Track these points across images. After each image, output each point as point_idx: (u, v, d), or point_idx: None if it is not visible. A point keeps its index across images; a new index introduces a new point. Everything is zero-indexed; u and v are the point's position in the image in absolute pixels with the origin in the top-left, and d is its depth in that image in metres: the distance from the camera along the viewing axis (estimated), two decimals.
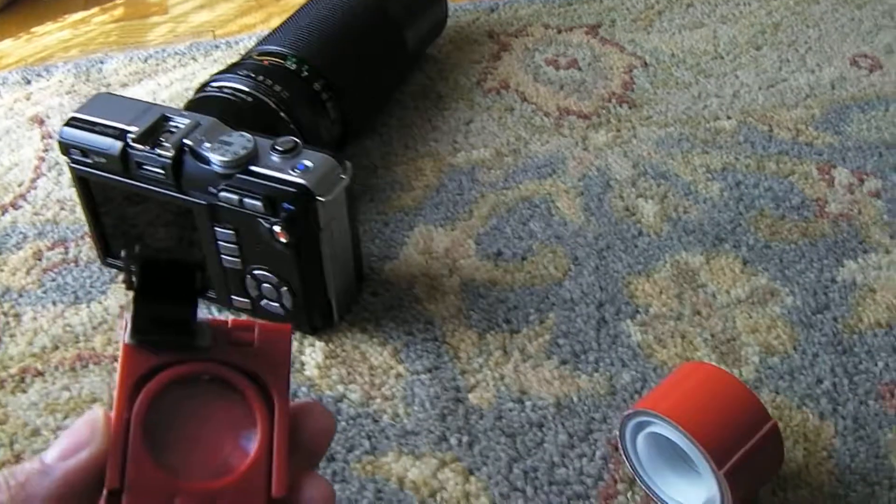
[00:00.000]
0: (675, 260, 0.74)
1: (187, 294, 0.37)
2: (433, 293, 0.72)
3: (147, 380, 0.37)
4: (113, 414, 0.36)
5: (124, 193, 0.67)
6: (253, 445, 0.37)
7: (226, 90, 0.73)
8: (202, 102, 0.73)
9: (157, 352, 0.37)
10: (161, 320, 0.37)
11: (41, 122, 0.90)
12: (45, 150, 0.87)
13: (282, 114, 0.73)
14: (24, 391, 0.66)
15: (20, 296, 0.73)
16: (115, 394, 0.37)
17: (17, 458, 0.62)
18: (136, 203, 0.68)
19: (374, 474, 0.61)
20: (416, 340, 0.68)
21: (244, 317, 0.70)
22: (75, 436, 0.36)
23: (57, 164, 0.85)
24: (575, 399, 0.65)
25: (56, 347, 0.69)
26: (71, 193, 0.81)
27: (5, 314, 0.72)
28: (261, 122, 0.71)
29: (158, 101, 0.91)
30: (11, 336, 0.70)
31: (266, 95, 0.73)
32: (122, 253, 0.36)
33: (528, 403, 0.64)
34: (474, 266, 0.74)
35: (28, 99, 0.93)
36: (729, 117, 0.87)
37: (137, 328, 0.37)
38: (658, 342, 0.68)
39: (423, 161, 0.83)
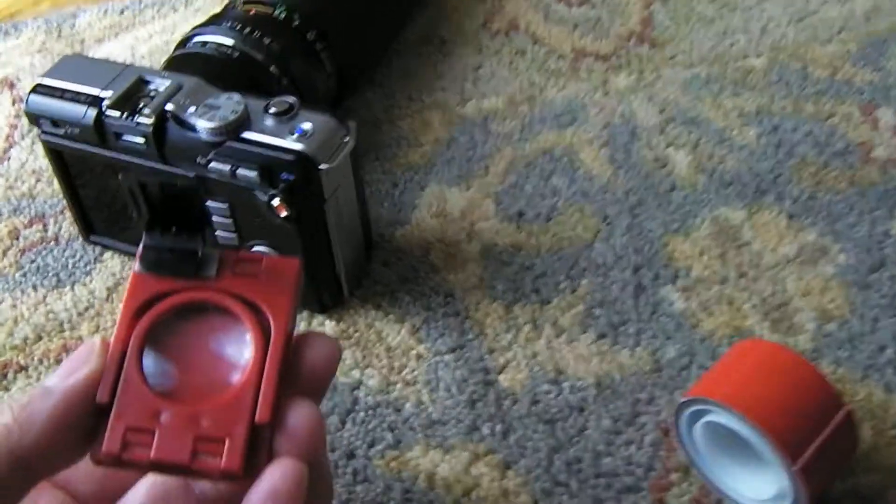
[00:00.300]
0: (715, 216, 0.67)
1: (195, 224, 0.40)
2: (451, 261, 0.65)
3: (151, 306, 0.39)
4: (113, 336, 0.38)
5: (103, 165, 0.60)
6: (245, 371, 0.38)
7: (209, 45, 0.65)
8: (182, 60, 0.66)
9: (163, 279, 0.39)
10: (169, 250, 0.39)
11: (11, 86, 0.82)
12: (17, 116, 0.79)
13: (272, 68, 0.66)
14: (6, 389, 0.60)
15: None
16: (118, 318, 0.38)
17: None
18: (116, 175, 0.61)
19: (399, 472, 0.55)
20: (436, 316, 0.62)
21: None
22: (74, 358, 0.37)
23: (31, 130, 0.77)
24: (617, 378, 0.58)
25: (39, 338, 0.63)
26: (46, 163, 0.74)
27: None
28: (249, 80, 0.64)
29: (137, 57, 0.83)
30: None
31: (253, 49, 0.65)
32: (120, 177, 0.42)
33: (565, 385, 0.58)
34: (495, 229, 0.67)
35: None
36: (759, 55, 0.80)
37: (145, 257, 0.39)
38: (703, 310, 0.61)
39: (430, 113, 0.76)
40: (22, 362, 0.61)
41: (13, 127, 0.78)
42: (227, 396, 0.37)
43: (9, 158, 0.75)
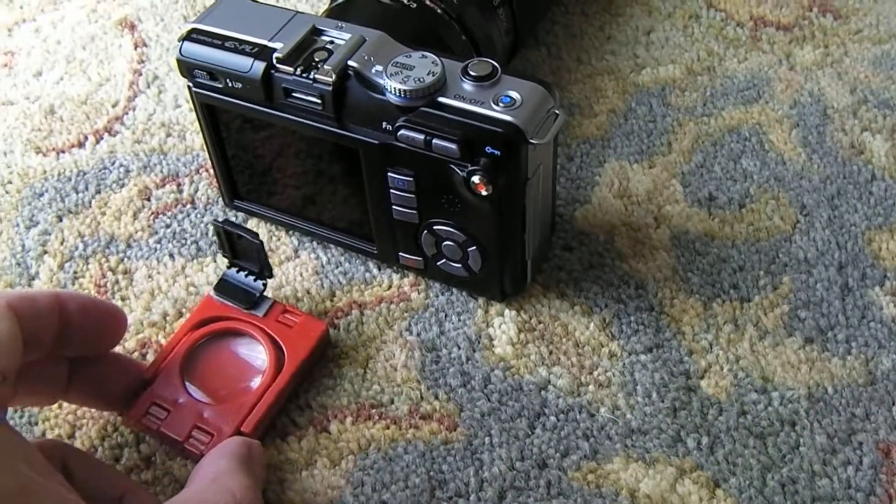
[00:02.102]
0: None
1: (261, 274, 0.53)
2: (639, 248, 0.59)
3: (209, 322, 0.53)
4: (171, 337, 0.53)
5: (260, 125, 0.54)
6: (251, 391, 0.50)
7: None
8: (349, 8, 0.59)
9: (225, 306, 0.53)
10: (238, 287, 0.54)
11: (132, 27, 0.75)
12: (141, 62, 0.72)
13: (450, 20, 0.59)
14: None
15: (128, 247, 0.60)
16: (181, 322, 0.54)
17: (147, 462, 0.50)
18: (274, 137, 0.55)
19: (599, 486, 0.49)
20: (627, 310, 0.56)
21: (410, 277, 0.58)
22: None
23: (156, 78, 0.71)
24: (829, 389, 0.52)
25: (180, 314, 0.57)
26: (177, 115, 0.68)
27: (112, 270, 0.59)
28: (426, 34, 0.58)
29: (291, 2, 0.76)
30: (123, 299, 0.57)
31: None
32: (213, 224, 0.55)
33: (774, 394, 0.52)
34: (685, 214, 0.60)
35: None
36: None
37: (220, 286, 0.54)
38: None
39: (601, 79, 0.69)
40: (162, 341, 0.55)
41: (137, 73, 0.71)
42: (230, 404, 0.49)
43: (134, 109, 0.69)
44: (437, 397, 0.52)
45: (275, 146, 0.56)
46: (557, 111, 0.49)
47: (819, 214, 0.60)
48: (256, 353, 0.52)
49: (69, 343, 0.46)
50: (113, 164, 0.65)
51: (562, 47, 0.72)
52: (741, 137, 0.65)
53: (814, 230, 0.59)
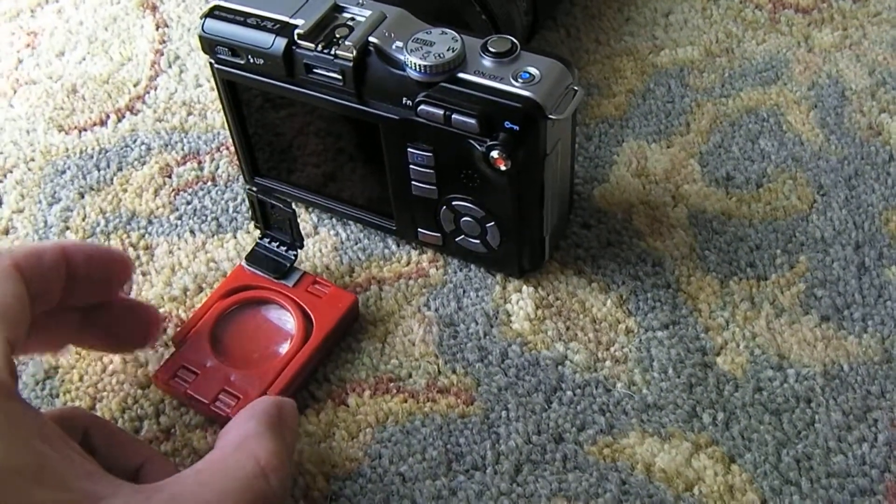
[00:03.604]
0: None
1: (293, 246, 0.55)
2: (657, 226, 0.59)
3: (240, 290, 0.54)
4: (203, 302, 0.54)
5: (281, 102, 0.54)
6: (280, 357, 0.50)
7: None
8: None
9: (257, 275, 0.54)
10: (270, 256, 0.55)
11: (153, 8, 0.76)
12: (163, 42, 0.73)
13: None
14: (165, 345, 0.54)
15: (150, 223, 0.61)
16: (201, 297, 0.56)
17: (167, 433, 0.50)
18: (295, 114, 0.55)
19: (615, 460, 0.49)
20: (644, 287, 0.56)
21: (428, 253, 0.58)
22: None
23: (178, 58, 0.71)
24: (845, 367, 0.52)
25: (200, 289, 0.57)
26: (198, 94, 0.68)
27: (134, 246, 0.60)
28: (446, 13, 0.58)
29: None
30: (144, 275, 0.58)
31: None
32: (246, 189, 0.58)
33: (790, 371, 0.52)
34: (702, 193, 0.61)
35: None
36: None
37: (252, 255, 0.55)
38: None
39: (620, 60, 0.70)
40: (183, 315, 0.56)
41: (158, 53, 0.72)
42: (257, 369, 0.50)
43: (155, 88, 0.69)
44: (454, 371, 0.53)
45: (295, 123, 0.56)
46: (576, 87, 0.50)
47: (836, 195, 0.60)
48: (285, 320, 0.53)
49: (77, 293, 0.46)
50: (134, 141, 0.66)
51: (580, 28, 0.72)
52: (759, 118, 0.65)
53: (831, 210, 0.60)
